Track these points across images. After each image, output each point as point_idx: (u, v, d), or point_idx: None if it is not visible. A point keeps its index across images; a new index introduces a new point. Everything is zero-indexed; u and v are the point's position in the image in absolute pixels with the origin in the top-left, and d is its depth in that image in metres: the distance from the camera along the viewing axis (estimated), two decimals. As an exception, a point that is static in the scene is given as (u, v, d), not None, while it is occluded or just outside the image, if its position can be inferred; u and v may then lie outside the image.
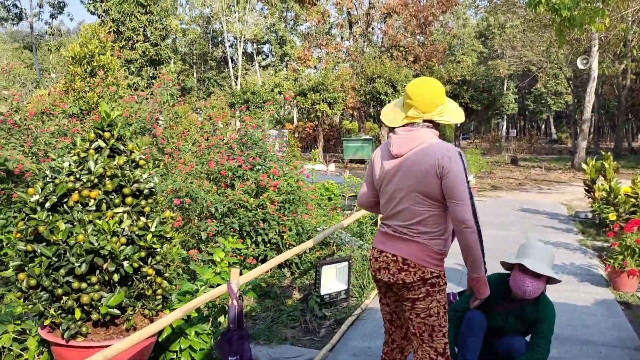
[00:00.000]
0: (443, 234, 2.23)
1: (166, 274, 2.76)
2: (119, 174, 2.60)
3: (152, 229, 2.61)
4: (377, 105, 22.67)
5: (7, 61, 33.63)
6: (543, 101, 44.73)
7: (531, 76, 33.31)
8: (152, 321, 2.71)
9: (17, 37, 46.78)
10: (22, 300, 2.59)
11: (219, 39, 44.26)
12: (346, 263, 4.60)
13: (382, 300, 2.47)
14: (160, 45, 27.60)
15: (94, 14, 26.86)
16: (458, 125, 24.34)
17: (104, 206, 2.56)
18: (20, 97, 6.59)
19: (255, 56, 44.50)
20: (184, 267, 4.36)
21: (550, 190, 12.95)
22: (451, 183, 2.11)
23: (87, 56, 11.43)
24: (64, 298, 2.50)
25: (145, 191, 2.66)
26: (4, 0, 32.66)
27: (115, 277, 2.52)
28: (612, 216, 6.67)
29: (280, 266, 5.29)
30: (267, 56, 47.05)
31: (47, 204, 2.50)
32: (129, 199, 2.59)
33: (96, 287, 2.52)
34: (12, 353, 2.86)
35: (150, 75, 26.88)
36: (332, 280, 4.52)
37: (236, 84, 37.98)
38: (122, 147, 2.68)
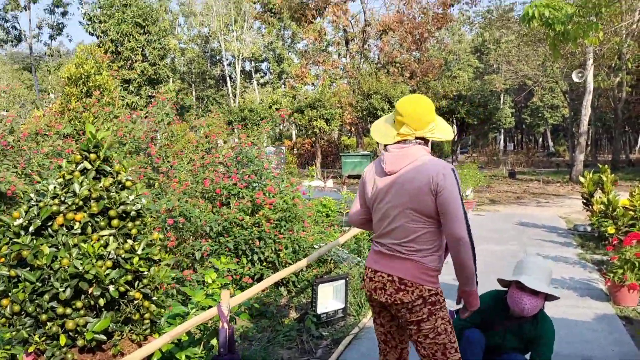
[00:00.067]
0: (437, 250, 2.22)
1: (154, 297, 2.70)
2: (105, 196, 2.55)
3: (139, 252, 2.56)
4: (374, 121, 22.69)
5: (7, 82, 33.78)
6: (540, 114, 44.93)
7: (527, 90, 33.48)
8: (140, 346, 2.63)
9: (17, 59, 47.12)
10: (6, 326, 2.52)
11: (217, 57, 44.61)
12: (343, 281, 4.53)
13: (376, 320, 2.43)
14: (159, 65, 27.81)
15: (92, 34, 27.13)
16: (455, 139, 24.35)
17: (89, 229, 2.51)
18: (14, 119, 6.56)
19: (253, 74, 44.81)
20: (178, 289, 4.30)
21: (549, 204, 12.89)
22: (446, 200, 2.10)
23: (83, 76, 11.47)
24: (49, 324, 2.43)
25: (132, 213, 2.61)
26: (3, 22, 32.99)
27: (101, 301, 2.46)
28: (611, 229, 6.61)
29: (276, 285, 5.22)
30: (265, 74, 47.38)
31: (31, 228, 2.45)
32: (115, 222, 2.54)
33: (81, 312, 2.45)
34: (-1, 380, 2.78)
35: (149, 94, 27.03)
36: (329, 298, 4.45)
37: (234, 102, 38.17)
38: (108, 169, 2.64)
